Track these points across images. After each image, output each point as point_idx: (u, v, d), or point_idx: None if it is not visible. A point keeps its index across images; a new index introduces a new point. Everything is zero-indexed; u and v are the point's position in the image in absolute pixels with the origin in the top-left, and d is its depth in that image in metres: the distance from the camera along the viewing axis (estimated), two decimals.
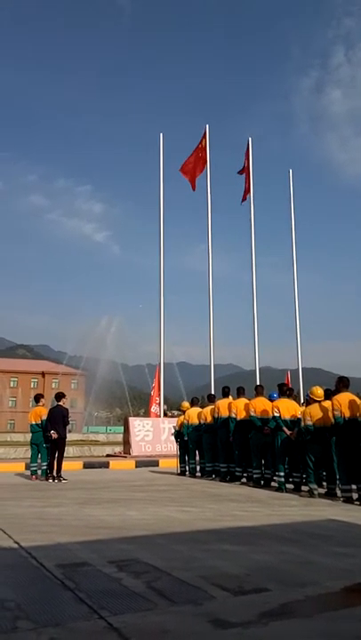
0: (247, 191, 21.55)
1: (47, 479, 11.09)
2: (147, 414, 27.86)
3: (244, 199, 21.70)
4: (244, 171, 21.78)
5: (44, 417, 11.45)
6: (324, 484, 9.06)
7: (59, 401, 11.71)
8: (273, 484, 9.76)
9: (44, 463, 11.43)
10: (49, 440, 11.22)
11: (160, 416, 19.98)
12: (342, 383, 8.55)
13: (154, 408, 22.39)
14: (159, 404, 20.83)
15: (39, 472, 11.48)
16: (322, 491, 8.84)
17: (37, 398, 12.35)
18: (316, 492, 8.60)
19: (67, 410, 11.68)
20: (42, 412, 11.65)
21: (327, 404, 8.68)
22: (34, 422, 11.61)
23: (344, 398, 8.25)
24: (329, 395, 8.93)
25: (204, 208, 20.87)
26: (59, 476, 11.00)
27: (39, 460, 11.54)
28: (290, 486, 9.43)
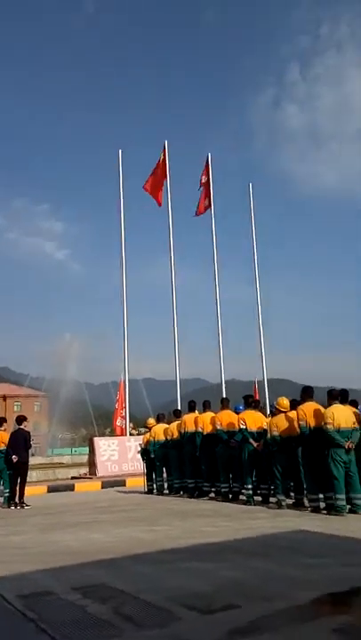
0: (207, 206, 21.82)
1: (9, 506, 10.73)
2: (112, 432, 27.43)
3: (199, 213, 21.94)
4: (203, 185, 22.07)
5: (6, 442, 11.12)
6: (292, 494, 9.06)
7: (20, 424, 11.41)
8: (241, 497, 9.70)
9: (6, 490, 11.07)
10: (12, 466, 10.88)
11: (126, 431, 19.66)
12: (307, 393, 8.61)
13: (119, 422, 22.00)
14: (125, 417, 20.45)
15: (1, 499, 11.11)
16: (290, 501, 8.83)
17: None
18: (284, 503, 8.58)
19: (28, 433, 11.42)
20: (3, 437, 11.31)
21: (293, 414, 8.70)
22: None
23: (309, 408, 8.30)
24: (295, 405, 8.97)
25: (166, 222, 21.00)
26: (21, 502, 10.66)
27: (1, 487, 11.18)
28: (258, 498, 9.39)
